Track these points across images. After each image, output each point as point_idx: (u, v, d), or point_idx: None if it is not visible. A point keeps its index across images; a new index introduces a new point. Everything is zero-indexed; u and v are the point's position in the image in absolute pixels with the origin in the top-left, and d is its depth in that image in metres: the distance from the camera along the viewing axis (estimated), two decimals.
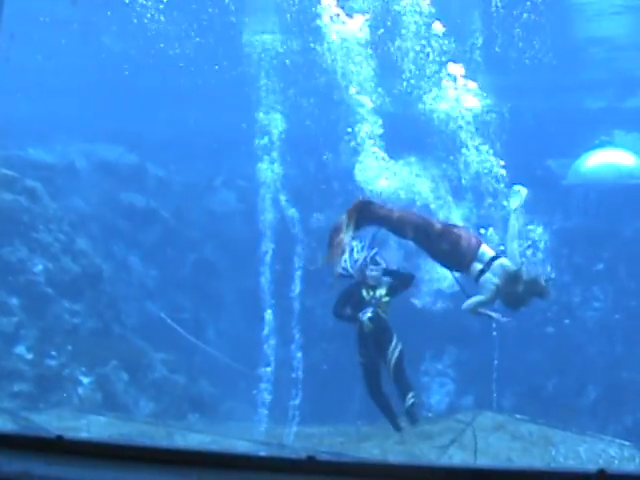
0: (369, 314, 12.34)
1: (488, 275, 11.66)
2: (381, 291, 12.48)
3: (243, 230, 22.33)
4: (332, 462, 3.07)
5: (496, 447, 13.14)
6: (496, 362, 17.99)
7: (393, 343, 12.47)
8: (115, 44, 25.51)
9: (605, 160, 25.58)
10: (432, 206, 13.24)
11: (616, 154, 25.98)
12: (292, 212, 16.11)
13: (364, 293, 12.43)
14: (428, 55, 14.17)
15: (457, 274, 12.08)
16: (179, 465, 3.35)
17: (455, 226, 12.07)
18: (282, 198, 16.65)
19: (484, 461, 12.41)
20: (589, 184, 25.19)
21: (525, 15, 21.56)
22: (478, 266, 11.74)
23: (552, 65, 25.42)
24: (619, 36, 26.30)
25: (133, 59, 25.39)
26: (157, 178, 26.89)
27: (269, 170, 16.58)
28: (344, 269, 12.23)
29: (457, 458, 12.66)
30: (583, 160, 25.84)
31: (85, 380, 17.57)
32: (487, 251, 11.84)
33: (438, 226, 11.79)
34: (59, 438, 3.38)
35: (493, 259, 11.77)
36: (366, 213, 11.52)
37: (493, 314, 11.90)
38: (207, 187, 27.09)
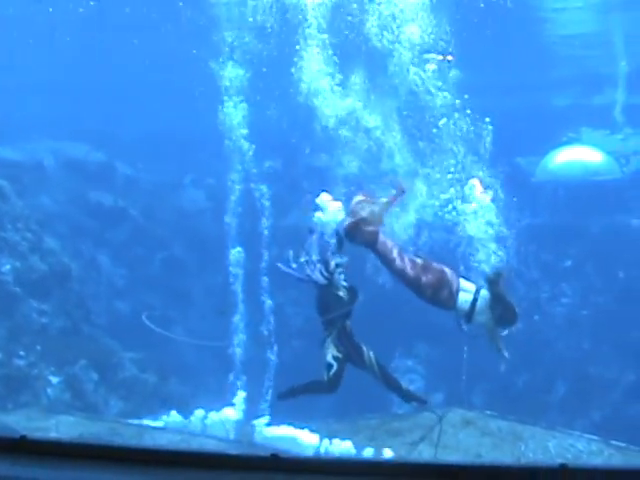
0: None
1: (478, 309, 11.99)
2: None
3: (212, 228, 22.28)
4: (295, 459, 3.08)
5: (465, 443, 13.15)
6: (466, 359, 18.00)
7: (364, 348, 12.50)
8: (83, 42, 25.40)
9: (572, 157, 25.76)
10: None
11: (583, 151, 26.18)
12: (262, 209, 16.03)
13: (341, 295, 12.39)
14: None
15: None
16: (145, 464, 3.35)
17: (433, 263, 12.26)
18: (255, 192, 16.62)
19: (453, 457, 12.44)
20: (557, 181, 25.34)
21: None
22: (466, 297, 11.98)
23: (520, 63, 25.61)
24: (585, 34, 26.50)
25: (101, 56, 25.31)
26: (125, 176, 26.81)
27: (238, 165, 16.51)
28: (308, 274, 12.20)
29: (426, 454, 12.67)
30: (551, 157, 26.01)
31: (54, 380, 17.46)
32: (467, 285, 12.10)
33: (420, 262, 11.99)
34: (23, 438, 3.37)
35: (477, 292, 12.02)
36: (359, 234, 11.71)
37: (504, 352, 12.29)
38: (176, 185, 27.03)
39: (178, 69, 22.90)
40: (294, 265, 12.23)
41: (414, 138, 14.13)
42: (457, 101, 13.68)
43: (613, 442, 13.37)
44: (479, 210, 12.81)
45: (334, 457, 8.04)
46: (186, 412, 14.16)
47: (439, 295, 12.04)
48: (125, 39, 24.40)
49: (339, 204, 12.73)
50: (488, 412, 13.84)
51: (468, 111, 13.65)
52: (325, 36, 14.51)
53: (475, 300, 12.11)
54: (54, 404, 16.76)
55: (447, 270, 12.14)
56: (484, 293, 12.17)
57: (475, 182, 13.01)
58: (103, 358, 19.09)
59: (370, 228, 11.80)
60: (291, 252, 12.33)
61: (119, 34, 24.14)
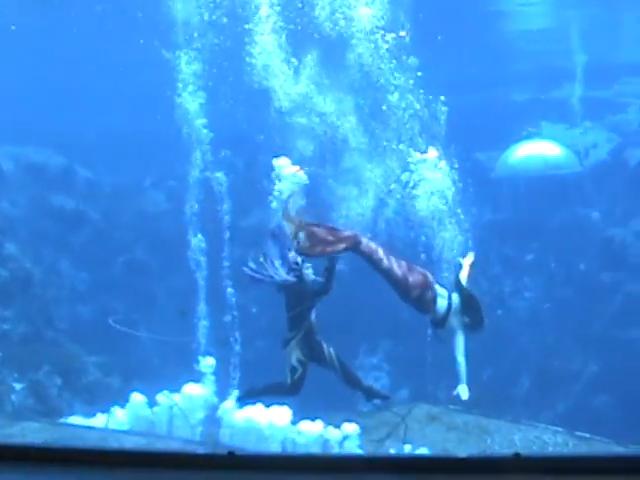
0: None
1: (452, 313, 12.04)
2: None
3: (173, 230, 22.20)
4: (252, 456, 3.09)
5: (432, 438, 13.24)
6: (430, 354, 18.10)
7: (324, 345, 12.50)
8: (40, 45, 25.24)
9: (532, 152, 25.92)
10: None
11: (543, 145, 26.34)
12: (223, 210, 16.01)
13: (315, 289, 12.35)
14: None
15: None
16: (111, 466, 3.34)
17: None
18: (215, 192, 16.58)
19: (419, 452, 12.48)
20: (517, 176, 25.48)
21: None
22: (441, 302, 12.03)
23: (478, 58, 25.71)
24: (544, 29, 26.66)
25: (59, 60, 25.15)
26: (86, 180, 26.64)
27: (197, 169, 16.49)
28: (273, 274, 12.11)
29: (393, 451, 12.73)
30: (511, 152, 26.16)
31: (18, 386, 17.34)
32: (441, 290, 12.16)
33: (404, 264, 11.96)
34: None
35: (449, 297, 12.09)
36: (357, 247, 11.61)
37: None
38: (136, 188, 26.91)
39: (134, 70, 22.80)
40: (252, 265, 12.13)
41: (368, 121, 14.16)
42: (410, 81, 13.72)
43: (578, 433, 13.51)
44: (434, 183, 12.92)
45: (290, 453, 8.04)
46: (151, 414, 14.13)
47: (424, 296, 12.01)
48: (83, 41, 24.24)
49: (298, 169, 12.72)
50: (453, 407, 13.92)
51: (421, 91, 13.71)
52: (275, 19, 14.52)
53: (450, 305, 12.16)
54: (18, 410, 16.64)
55: (428, 274, 12.16)
56: (455, 298, 12.23)
57: (429, 155, 13.11)
58: (66, 363, 18.96)
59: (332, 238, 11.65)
60: (251, 262, 12.20)
61: (77, 36, 23.97)
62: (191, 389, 14.21)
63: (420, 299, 12.00)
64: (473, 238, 13.54)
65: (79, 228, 24.99)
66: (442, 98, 13.92)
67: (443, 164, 13.46)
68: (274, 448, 12.43)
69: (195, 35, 16.30)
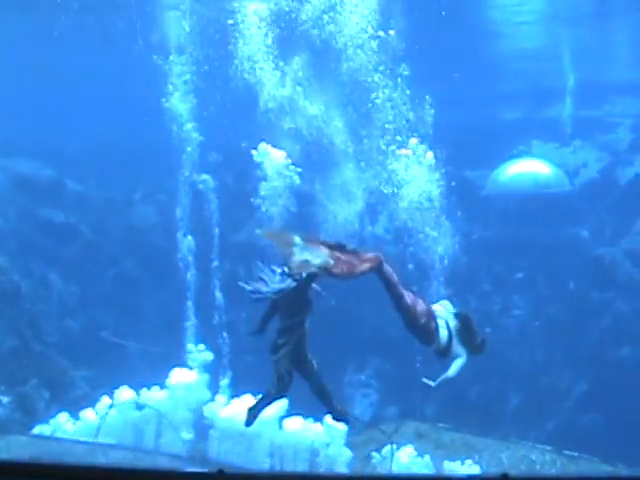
0: None
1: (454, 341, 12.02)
2: None
3: (163, 244, 22.17)
4: (242, 475, 3.07)
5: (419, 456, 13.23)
6: (419, 372, 18.09)
7: (309, 356, 12.47)
8: (30, 55, 25.22)
9: (522, 170, 25.96)
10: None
11: (533, 164, 26.38)
12: (212, 225, 16.03)
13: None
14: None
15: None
16: None
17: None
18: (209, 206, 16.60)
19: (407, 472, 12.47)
20: (507, 194, 25.50)
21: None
22: (443, 332, 11.99)
23: (470, 77, 25.77)
24: (534, 48, 26.77)
25: (49, 71, 25.14)
26: (76, 193, 26.57)
27: (187, 183, 16.51)
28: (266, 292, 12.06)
29: (381, 468, 12.71)
30: (501, 170, 26.18)
31: (5, 399, 17.27)
32: (439, 320, 12.14)
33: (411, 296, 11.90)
34: None
35: (448, 326, 12.06)
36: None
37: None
38: (126, 201, 26.86)
39: (123, 83, 22.81)
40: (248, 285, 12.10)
41: (355, 124, 14.17)
42: (398, 79, 13.74)
43: (566, 452, 13.49)
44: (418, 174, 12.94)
45: (280, 472, 8.01)
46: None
47: (429, 325, 11.96)
48: (74, 54, 24.26)
49: (282, 153, 12.73)
50: (441, 424, 13.92)
51: (408, 91, 13.72)
52: (263, 25, 14.55)
53: (450, 334, 12.14)
54: (5, 424, 16.57)
55: (429, 305, 12.14)
56: (452, 324, 12.21)
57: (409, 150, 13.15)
58: (54, 376, 18.90)
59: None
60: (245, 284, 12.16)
61: (66, 49, 23.99)
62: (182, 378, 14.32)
63: (426, 327, 11.92)
64: (463, 255, 13.57)
65: (69, 241, 24.91)
66: (427, 97, 13.93)
67: (430, 155, 13.46)
68: (261, 445, 12.45)
69: (184, 45, 16.36)
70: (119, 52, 19.84)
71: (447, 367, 12.37)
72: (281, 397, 12.25)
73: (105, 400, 14.55)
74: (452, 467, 12.93)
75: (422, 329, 11.86)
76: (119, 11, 20.76)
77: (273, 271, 11.87)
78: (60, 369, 19.60)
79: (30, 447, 13.33)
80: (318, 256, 11.08)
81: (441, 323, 12.09)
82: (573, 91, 27.83)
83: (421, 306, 11.81)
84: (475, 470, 12.69)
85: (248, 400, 13.16)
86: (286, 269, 11.60)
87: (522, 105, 28.73)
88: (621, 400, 20.94)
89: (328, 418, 13.03)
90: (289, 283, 11.84)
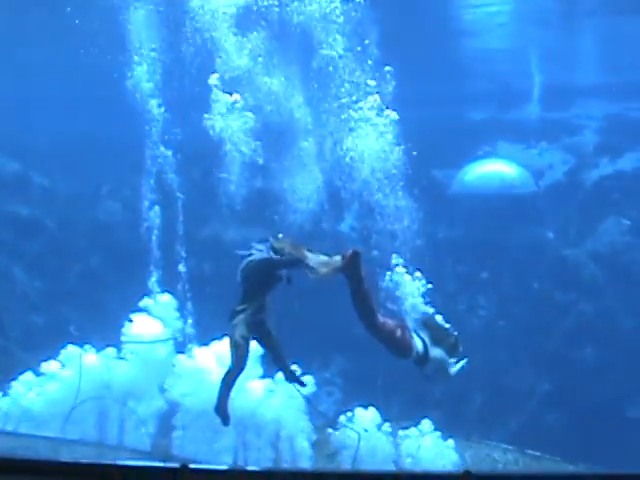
0: None
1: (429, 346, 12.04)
2: None
3: (129, 240, 22.06)
4: (205, 470, 3.07)
5: (382, 454, 13.25)
6: (382, 370, 18.14)
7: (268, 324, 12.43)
8: None
9: (489, 170, 26.10)
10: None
11: (499, 165, 26.53)
12: (179, 220, 15.96)
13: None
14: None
15: None
16: (64, 477, 3.31)
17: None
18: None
19: (370, 468, 12.50)
20: (473, 194, 25.62)
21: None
22: (417, 341, 11.98)
23: (436, 76, 25.85)
24: (501, 49, 26.89)
25: (14, 64, 24.99)
26: (41, 187, 26.40)
27: (153, 177, 16.42)
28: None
29: (345, 465, 12.73)
30: (467, 170, 26.30)
31: None
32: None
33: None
34: None
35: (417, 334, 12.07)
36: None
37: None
38: (92, 196, 26.72)
39: (92, 76, 22.64)
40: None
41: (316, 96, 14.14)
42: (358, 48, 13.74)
43: (529, 451, 13.58)
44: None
45: (245, 467, 8.01)
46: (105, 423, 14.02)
47: (404, 337, 11.93)
48: (39, 47, 24.12)
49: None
50: (404, 423, 13.93)
51: (370, 62, 13.71)
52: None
53: (423, 340, 12.14)
54: None
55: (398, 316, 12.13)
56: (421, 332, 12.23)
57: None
58: (17, 371, 18.75)
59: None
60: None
61: (33, 42, 23.85)
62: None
63: (402, 340, 11.88)
64: (427, 254, 13.56)
65: (33, 236, 24.75)
66: (388, 68, 13.91)
67: (389, 112, 13.45)
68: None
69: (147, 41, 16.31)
70: (84, 47, 19.69)
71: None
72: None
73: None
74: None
75: (399, 343, 11.84)
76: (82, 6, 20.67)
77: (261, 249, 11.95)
78: (23, 364, 19.44)
79: None
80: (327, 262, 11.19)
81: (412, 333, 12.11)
82: (540, 93, 27.99)
83: (392, 320, 11.82)
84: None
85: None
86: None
87: (489, 106, 28.86)
88: (584, 400, 21.12)
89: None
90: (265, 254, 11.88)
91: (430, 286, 12.49)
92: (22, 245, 24.60)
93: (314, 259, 11.26)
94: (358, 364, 21.83)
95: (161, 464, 3.43)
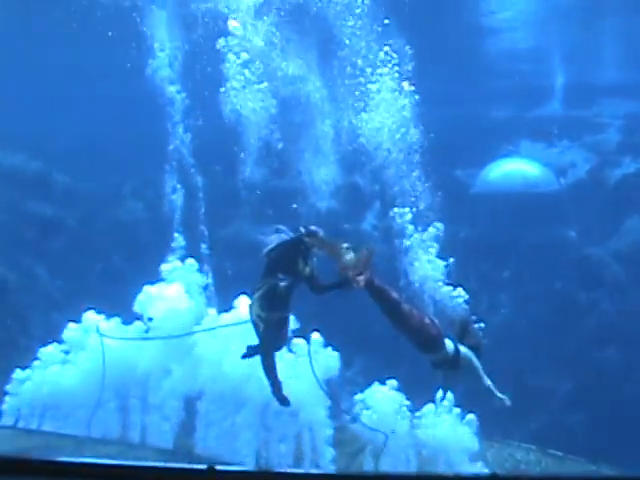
0: None
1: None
2: None
3: (151, 239, 22.12)
4: (233, 472, 3.06)
5: (405, 454, 13.22)
6: (405, 370, 18.10)
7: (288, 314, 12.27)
8: (17, 47, 25.14)
9: (511, 169, 26.02)
10: None
11: (522, 164, 26.44)
12: (201, 219, 15.98)
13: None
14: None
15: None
16: (83, 478, 3.30)
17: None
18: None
19: (392, 468, 12.47)
20: (495, 193, 25.55)
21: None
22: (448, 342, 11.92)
23: (460, 75, 25.78)
24: (525, 48, 26.79)
25: (37, 64, 25.05)
26: (63, 186, 26.48)
27: (176, 177, 16.43)
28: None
29: (368, 465, 12.70)
30: (490, 169, 26.23)
31: None
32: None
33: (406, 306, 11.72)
34: None
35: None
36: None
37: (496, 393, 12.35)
38: (114, 195, 26.79)
39: (116, 76, 22.70)
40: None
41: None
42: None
43: (550, 451, 13.51)
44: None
45: (272, 470, 8.02)
46: (126, 423, 14.01)
47: (435, 327, 11.87)
48: (63, 47, 24.18)
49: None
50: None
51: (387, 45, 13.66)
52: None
53: (454, 341, 12.11)
54: None
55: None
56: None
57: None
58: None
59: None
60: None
61: (53, 41, 23.93)
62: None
63: (433, 329, 11.79)
64: (450, 253, 13.52)
65: (55, 235, 24.83)
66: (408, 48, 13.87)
67: (406, 85, 13.41)
68: None
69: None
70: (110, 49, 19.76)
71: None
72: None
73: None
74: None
75: (430, 332, 11.74)
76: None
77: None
78: None
79: (16, 441, 13.25)
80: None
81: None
82: (562, 92, 27.90)
83: (422, 314, 11.74)
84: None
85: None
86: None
87: (511, 105, 28.76)
88: (606, 400, 21.01)
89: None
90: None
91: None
92: (44, 244, 24.68)
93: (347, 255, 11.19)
94: (380, 363, 21.79)
95: (187, 465, 3.43)
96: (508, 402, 12.21)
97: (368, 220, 24.54)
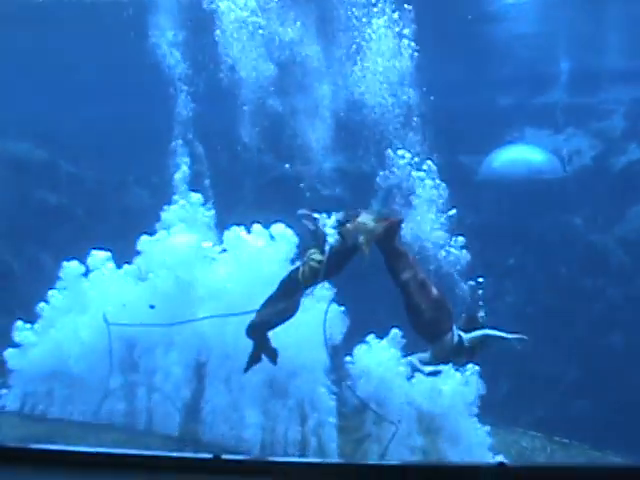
0: None
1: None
2: None
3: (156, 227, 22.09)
4: (238, 460, 3.07)
5: (410, 442, 13.20)
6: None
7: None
8: (23, 36, 25.13)
9: (516, 156, 25.98)
10: None
11: (527, 150, 26.41)
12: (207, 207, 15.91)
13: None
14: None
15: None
16: (87, 467, 3.31)
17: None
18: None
19: (398, 456, 12.46)
20: (500, 180, 25.52)
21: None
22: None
23: (464, 62, 25.73)
24: (528, 34, 26.73)
25: (42, 52, 25.03)
26: (69, 174, 26.48)
27: (181, 165, 16.39)
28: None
29: (372, 452, 12.69)
30: (495, 156, 26.19)
31: None
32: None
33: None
34: None
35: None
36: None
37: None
38: (120, 183, 26.79)
39: (122, 64, 22.70)
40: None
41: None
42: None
43: (556, 438, 13.52)
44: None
45: (277, 458, 8.05)
46: (132, 409, 14.02)
47: (446, 303, 11.86)
48: (67, 34, 24.16)
49: None
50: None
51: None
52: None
53: (459, 336, 12.11)
54: None
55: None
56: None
57: None
58: None
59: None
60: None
61: (59, 29, 23.89)
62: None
63: (444, 303, 11.77)
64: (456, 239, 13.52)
65: (61, 223, 24.83)
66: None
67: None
68: None
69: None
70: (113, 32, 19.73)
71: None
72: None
73: None
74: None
75: (441, 308, 11.72)
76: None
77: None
78: None
79: (22, 428, 13.28)
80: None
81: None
82: (567, 78, 27.82)
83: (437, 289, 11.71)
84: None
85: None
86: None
87: (516, 91, 28.70)
88: (611, 387, 21.03)
89: None
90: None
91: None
92: (50, 232, 24.69)
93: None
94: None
95: (192, 455, 3.44)
96: (524, 337, 12.16)
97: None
